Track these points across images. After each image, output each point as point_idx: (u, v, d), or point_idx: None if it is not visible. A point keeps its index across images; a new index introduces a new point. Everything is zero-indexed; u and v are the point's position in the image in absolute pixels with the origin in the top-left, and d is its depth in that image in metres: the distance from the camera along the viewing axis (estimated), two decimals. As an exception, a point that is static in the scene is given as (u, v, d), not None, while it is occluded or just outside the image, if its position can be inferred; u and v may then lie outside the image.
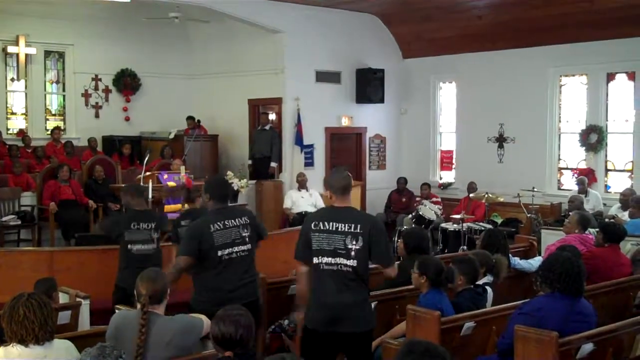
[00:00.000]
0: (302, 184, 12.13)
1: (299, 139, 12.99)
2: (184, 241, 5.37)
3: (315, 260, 4.69)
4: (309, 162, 13.18)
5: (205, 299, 5.20)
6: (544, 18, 11.89)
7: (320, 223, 4.70)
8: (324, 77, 13.36)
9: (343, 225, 4.65)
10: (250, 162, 13.27)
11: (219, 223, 5.27)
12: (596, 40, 11.67)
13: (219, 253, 5.22)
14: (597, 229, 7.19)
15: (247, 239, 5.39)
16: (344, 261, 4.63)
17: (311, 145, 13.21)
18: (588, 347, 4.54)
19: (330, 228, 4.67)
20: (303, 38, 12.95)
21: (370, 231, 4.64)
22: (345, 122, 13.79)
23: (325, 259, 4.65)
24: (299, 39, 12.92)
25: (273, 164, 12.94)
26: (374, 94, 13.66)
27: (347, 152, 14.02)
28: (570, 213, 8.47)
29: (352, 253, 4.61)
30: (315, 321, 4.71)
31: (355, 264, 4.62)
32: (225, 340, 3.54)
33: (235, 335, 3.52)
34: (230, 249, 5.28)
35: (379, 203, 13.81)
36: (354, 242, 4.62)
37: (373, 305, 5.85)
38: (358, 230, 4.63)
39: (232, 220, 5.35)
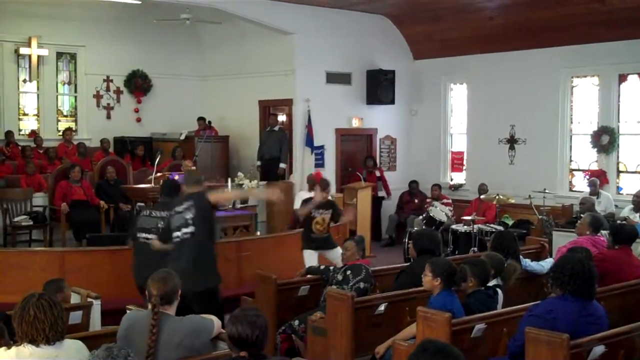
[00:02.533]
0: (311, 185, 12.11)
1: (309, 140, 12.99)
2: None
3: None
4: (320, 163, 13.18)
5: None
6: (555, 19, 11.85)
7: None
8: (334, 78, 13.36)
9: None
10: (259, 163, 13.27)
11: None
12: (608, 41, 11.61)
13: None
14: (609, 231, 7.15)
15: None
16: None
17: (322, 147, 13.21)
18: (599, 349, 4.52)
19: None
20: (313, 39, 12.96)
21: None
22: (355, 123, 13.79)
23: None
24: (310, 40, 12.93)
25: (282, 165, 12.94)
26: (385, 95, 13.65)
27: (357, 153, 14.01)
28: (582, 215, 8.43)
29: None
30: None
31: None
32: (242, 340, 3.59)
33: (252, 336, 3.58)
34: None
35: (390, 204, 13.81)
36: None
37: (383, 306, 5.88)
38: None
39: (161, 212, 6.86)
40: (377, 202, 13.26)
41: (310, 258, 8.17)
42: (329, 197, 8.70)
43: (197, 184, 6.52)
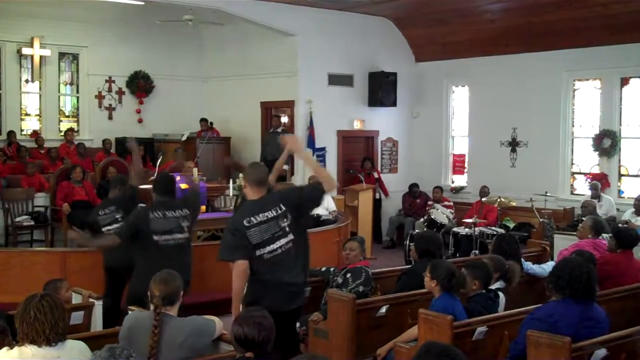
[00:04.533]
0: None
1: (311, 142, 13.00)
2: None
3: (258, 252, 5.08)
4: (321, 165, 13.17)
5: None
6: (557, 22, 11.85)
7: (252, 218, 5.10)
8: (336, 80, 13.37)
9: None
10: (261, 164, 13.23)
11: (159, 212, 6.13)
12: (610, 44, 11.61)
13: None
14: (610, 235, 7.15)
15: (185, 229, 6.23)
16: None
17: (323, 148, 13.22)
18: (601, 352, 4.52)
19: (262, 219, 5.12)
20: (316, 41, 12.97)
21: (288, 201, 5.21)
22: (357, 125, 13.79)
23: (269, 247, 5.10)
24: (312, 42, 12.94)
25: (284, 167, 12.94)
26: (387, 97, 13.65)
27: (358, 155, 14.01)
28: (584, 218, 8.43)
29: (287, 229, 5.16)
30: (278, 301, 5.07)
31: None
32: (248, 341, 3.63)
33: (258, 337, 3.62)
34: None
35: (391, 206, 13.82)
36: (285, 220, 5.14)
37: (384, 308, 5.87)
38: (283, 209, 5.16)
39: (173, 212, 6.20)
40: (376, 204, 13.27)
41: None
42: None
43: (262, 184, 5.38)
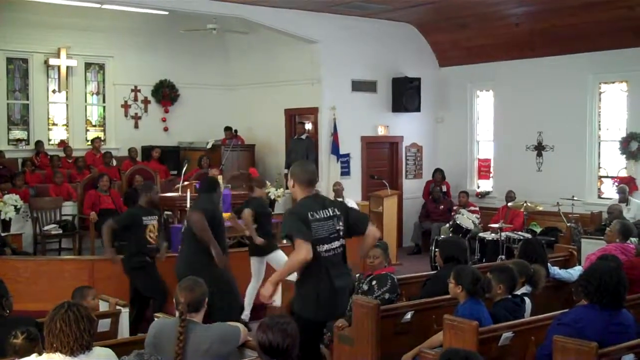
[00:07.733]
0: (338, 193, 12.12)
1: (335, 148, 13.02)
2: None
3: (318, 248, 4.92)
4: (345, 172, 13.20)
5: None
6: (582, 25, 11.76)
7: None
8: (360, 86, 13.39)
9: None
10: (286, 171, 13.31)
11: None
12: (636, 46, 11.49)
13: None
14: (638, 238, 7.07)
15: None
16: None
17: (347, 155, 13.23)
18: (629, 358, 4.47)
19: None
20: (339, 48, 13.00)
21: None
22: (381, 131, 13.79)
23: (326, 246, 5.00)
24: (335, 49, 12.97)
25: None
26: (410, 102, 13.64)
27: (383, 161, 14.00)
28: (612, 222, 8.34)
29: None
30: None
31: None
32: (273, 348, 3.55)
33: (283, 344, 3.53)
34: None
35: (416, 212, 13.77)
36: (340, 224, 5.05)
37: (410, 315, 5.85)
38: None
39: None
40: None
41: (260, 266, 8.44)
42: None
43: (313, 184, 5.19)
